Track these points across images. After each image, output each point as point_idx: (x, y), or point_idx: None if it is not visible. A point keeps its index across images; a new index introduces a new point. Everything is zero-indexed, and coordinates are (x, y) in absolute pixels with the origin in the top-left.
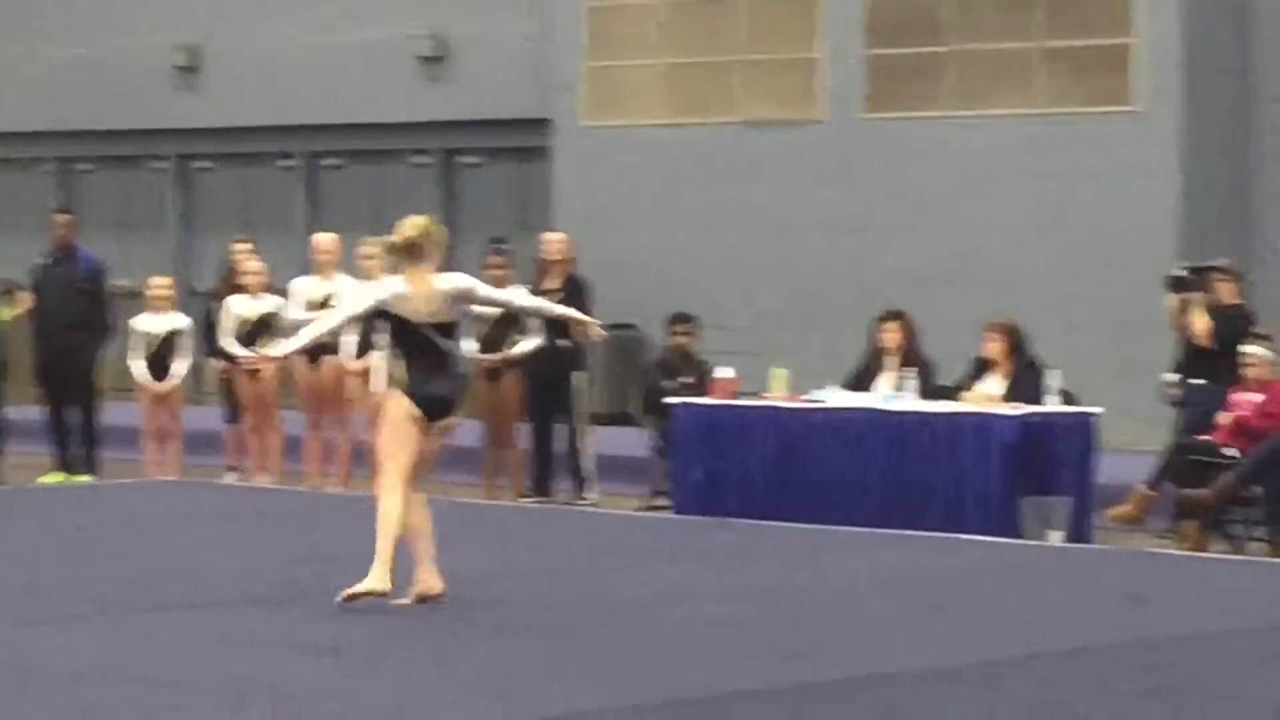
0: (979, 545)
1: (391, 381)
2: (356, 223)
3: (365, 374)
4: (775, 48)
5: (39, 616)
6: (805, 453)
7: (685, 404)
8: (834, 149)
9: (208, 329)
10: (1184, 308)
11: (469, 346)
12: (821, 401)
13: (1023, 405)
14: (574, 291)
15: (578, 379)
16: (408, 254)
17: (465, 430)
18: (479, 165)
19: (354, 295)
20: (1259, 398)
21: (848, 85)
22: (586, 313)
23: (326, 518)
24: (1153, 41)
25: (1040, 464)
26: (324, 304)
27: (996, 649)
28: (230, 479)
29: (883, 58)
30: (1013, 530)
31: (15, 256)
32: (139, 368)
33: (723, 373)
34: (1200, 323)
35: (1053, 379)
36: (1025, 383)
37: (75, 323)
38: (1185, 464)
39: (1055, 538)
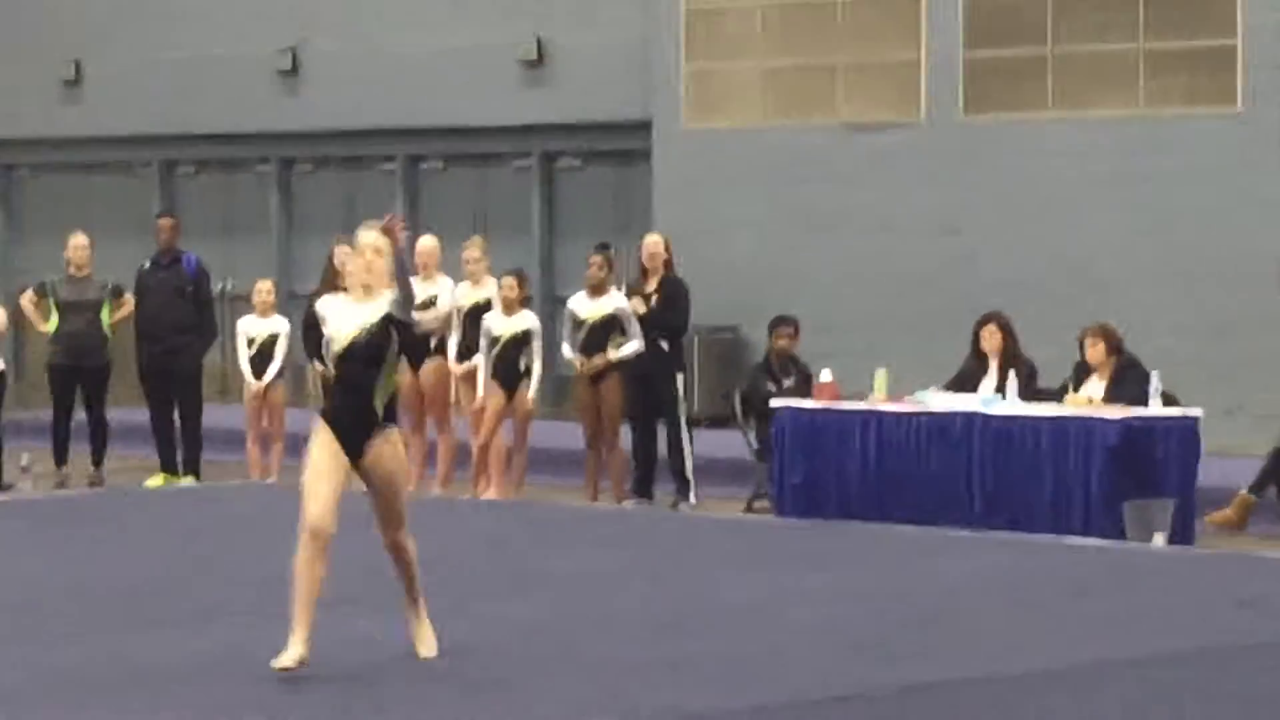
0: (1082, 548)
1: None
2: (457, 226)
3: (468, 376)
4: (876, 50)
5: (153, 619)
6: (907, 455)
7: (787, 406)
8: (934, 151)
9: (309, 330)
10: None
11: (568, 351)
12: (923, 404)
13: (1125, 408)
14: (673, 295)
15: (679, 381)
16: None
17: (567, 433)
18: (579, 168)
19: (455, 297)
20: None
21: (948, 87)
22: (683, 315)
23: (427, 520)
24: (1256, 42)
25: (1143, 467)
26: (425, 306)
27: (1101, 651)
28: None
29: (983, 59)
30: (1116, 533)
31: (119, 260)
32: (243, 370)
33: (824, 376)
34: None
35: (1154, 382)
36: (1127, 385)
37: (179, 326)
38: None
39: (1159, 540)
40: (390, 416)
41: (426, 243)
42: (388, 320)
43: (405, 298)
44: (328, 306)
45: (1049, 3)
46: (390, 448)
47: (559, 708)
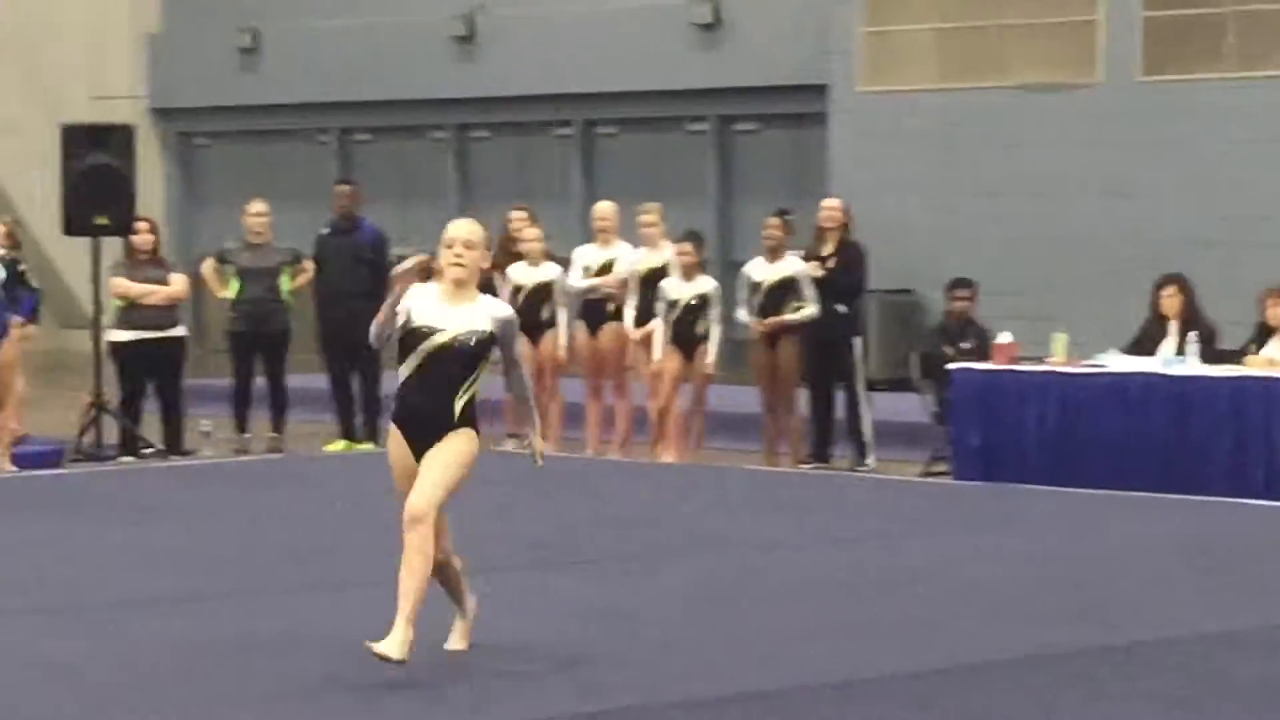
0: (1262, 510)
1: None
2: (632, 190)
3: (646, 341)
4: (1052, 10)
5: (318, 582)
6: (1086, 418)
7: (965, 369)
8: (1111, 112)
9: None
10: None
11: (744, 315)
12: (1103, 366)
13: None
14: (850, 258)
15: (856, 345)
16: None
17: (745, 396)
18: (754, 132)
19: (632, 261)
20: None
21: (1126, 47)
22: (860, 279)
23: (606, 483)
24: None
25: None
26: (603, 271)
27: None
28: (509, 446)
29: (1161, 19)
30: None
31: (298, 227)
32: None
33: (1003, 338)
34: None
35: None
36: None
37: (357, 292)
38: None
39: None
40: (467, 420)
41: (604, 207)
42: (490, 339)
43: (378, 324)
44: (418, 296)
45: None
46: (460, 439)
47: (732, 672)
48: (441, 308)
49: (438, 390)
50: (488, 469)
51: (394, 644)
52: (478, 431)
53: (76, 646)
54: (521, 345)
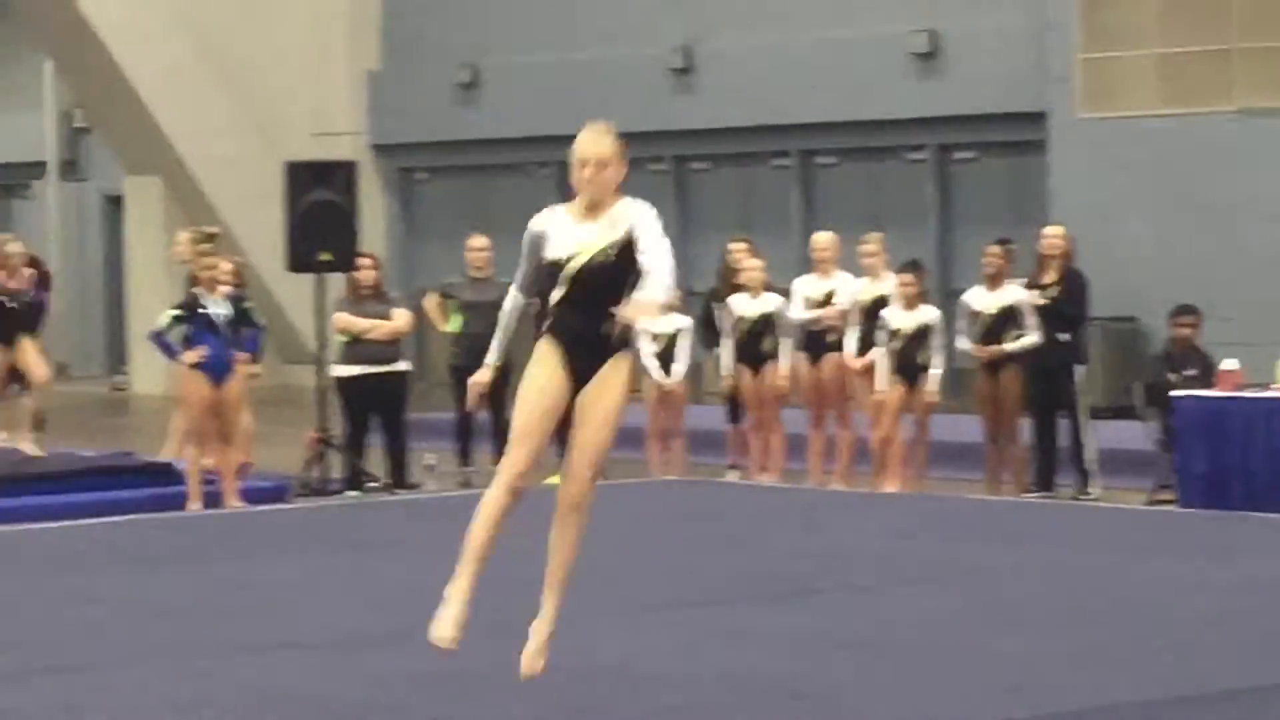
0: None
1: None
2: (852, 220)
3: (867, 371)
4: (1274, 33)
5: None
6: None
7: (1189, 396)
8: None
9: (708, 328)
10: None
11: (965, 343)
12: None
13: None
14: (1072, 286)
15: (1079, 373)
16: None
17: (967, 425)
18: (973, 160)
19: (854, 291)
20: None
21: None
22: (1082, 307)
23: (829, 515)
24: None
25: None
26: (824, 302)
27: None
28: (732, 477)
29: None
30: None
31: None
32: (650, 366)
33: (1228, 364)
34: None
35: None
36: None
37: None
38: None
39: None
40: (624, 340)
41: (823, 237)
42: (627, 244)
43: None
44: (549, 224)
45: None
46: (615, 373)
47: (961, 701)
48: (576, 230)
49: (591, 312)
50: (711, 502)
51: (534, 645)
52: (632, 349)
53: (310, 681)
54: (659, 231)
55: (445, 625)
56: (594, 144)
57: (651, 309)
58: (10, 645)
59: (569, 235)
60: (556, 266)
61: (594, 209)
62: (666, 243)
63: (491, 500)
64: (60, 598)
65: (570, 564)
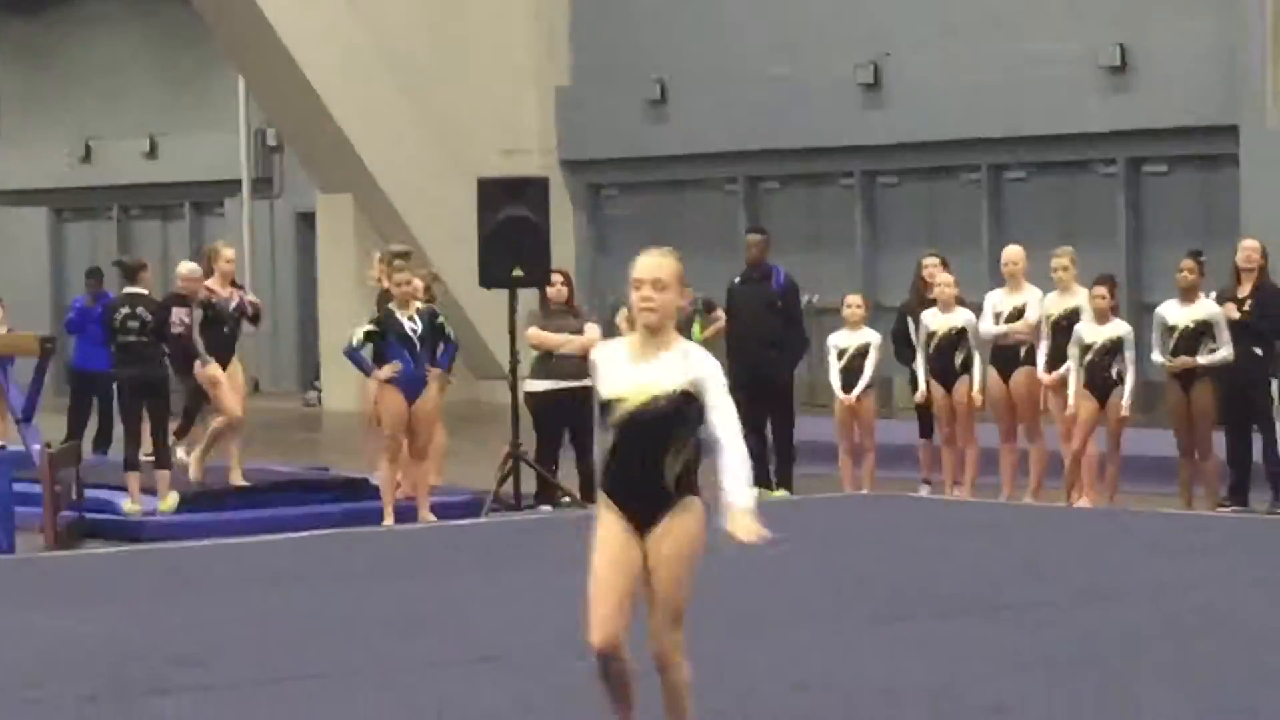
0: None
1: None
2: (1042, 234)
3: (1059, 385)
4: None
5: (749, 628)
6: None
7: None
8: None
9: (900, 342)
10: None
11: (1158, 357)
12: None
13: None
14: (1267, 299)
15: (1274, 386)
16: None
17: (1160, 440)
18: (1165, 173)
19: (1044, 306)
20: None
21: None
22: (1277, 322)
23: (1021, 529)
24: None
25: None
26: (1015, 316)
27: None
28: (924, 492)
29: None
30: None
31: (708, 275)
32: (835, 383)
33: None
34: None
35: None
36: None
37: (769, 340)
38: None
39: None
40: (689, 488)
41: (1013, 251)
42: (685, 396)
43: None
44: (605, 358)
45: None
46: (681, 523)
47: (1167, 717)
48: (629, 369)
49: (643, 464)
50: (898, 514)
51: None
52: (700, 496)
53: (507, 694)
54: (723, 396)
55: None
56: (653, 266)
57: (754, 528)
58: (211, 658)
59: (623, 374)
60: (606, 409)
61: (652, 343)
62: (733, 409)
63: (601, 681)
64: (259, 613)
65: (679, 709)
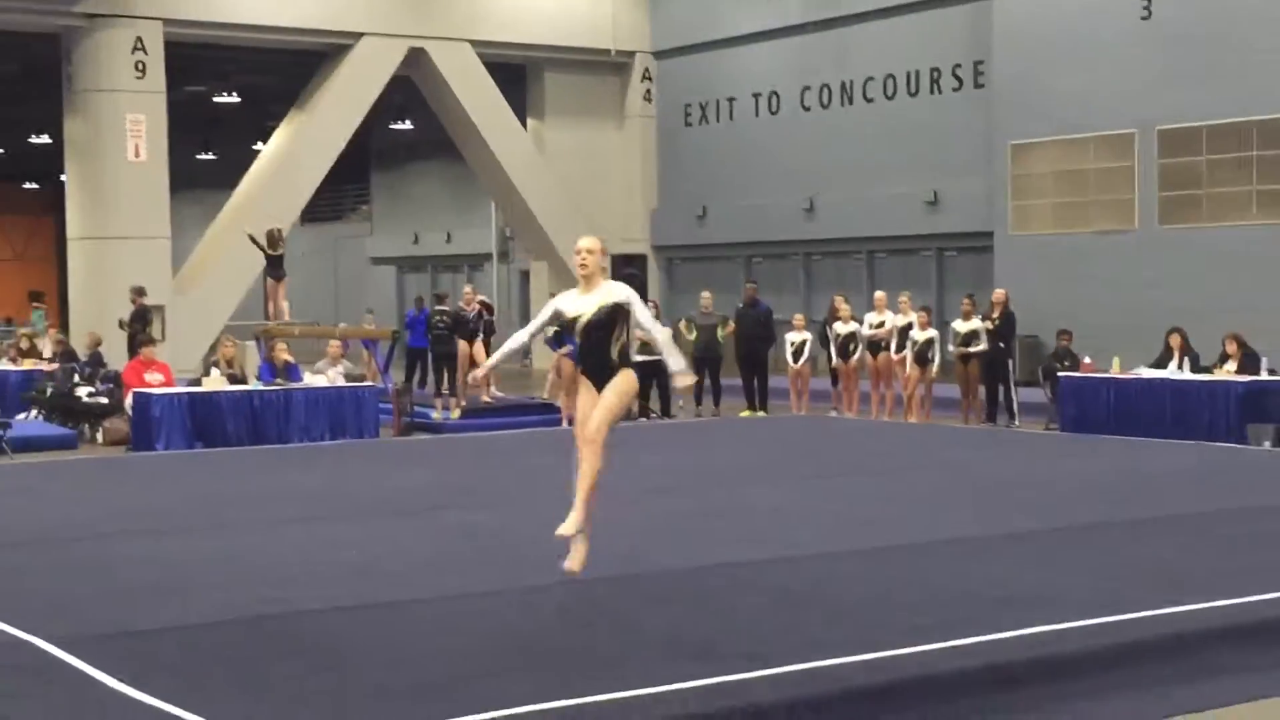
0: None
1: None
2: (893, 285)
3: (901, 362)
4: None
5: (737, 481)
6: None
7: None
8: None
9: (821, 339)
10: None
11: (950, 348)
12: None
13: None
14: (1006, 319)
15: (1009, 365)
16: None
17: (950, 389)
18: (956, 256)
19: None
20: None
21: None
22: None
23: (878, 435)
24: None
25: None
26: (878, 326)
27: None
28: (832, 415)
29: None
30: None
31: (725, 305)
32: (789, 358)
33: (1087, 359)
34: None
35: None
36: None
37: (758, 337)
38: None
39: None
40: (624, 360)
41: (879, 294)
42: (615, 308)
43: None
44: (562, 299)
45: None
46: (616, 380)
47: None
48: (581, 300)
49: (597, 350)
50: (819, 425)
51: (569, 524)
52: (631, 368)
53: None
54: (643, 307)
55: (567, 526)
56: (588, 242)
57: (686, 377)
58: (484, 489)
59: (577, 303)
60: (571, 323)
61: (589, 287)
62: (651, 313)
63: (579, 455)
64: (508, 466)
65: (589, 482)
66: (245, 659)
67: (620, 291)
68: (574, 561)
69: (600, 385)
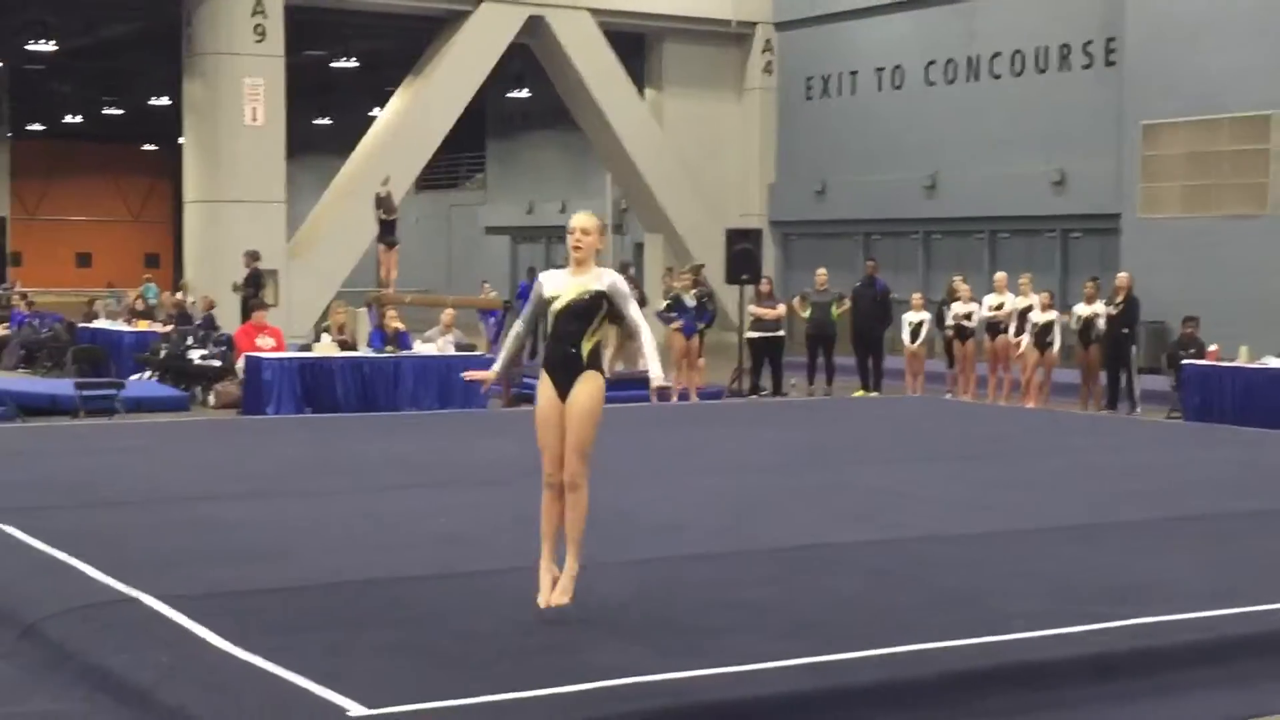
0: None
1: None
2: (1013, 268)
3: (1020, 344)
4: None
5: (869, 459)
6: None
7: None
8: None
9: (940, 318)
10: None
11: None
12: None
13: None
14: (1130, 304)
15: (1132, 350)
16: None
17: (1071, 374)
18: (1080, 238)
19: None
20: None
21: None
22: None
23: (995, 419)
24: None
25: None
26: (997, 308)
27: None
28: (948, 397)
29: None
30: None
31: (840, 282)
32: (905, 339)
33: (1213, 347)
34: None
35: None
36: None
37: (874, 316)
38: None
39: None
40: (595, 362)
41: (999, 275)
42: (599, 295)
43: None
44: (549, 276)
45: None
46: (585, 389)
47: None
48: (567, 280)
49: (568, 341)
50: (935, 406)
51: (561, 589)
52: (602, 372)
53: (762, 492)
54: (631, 301)
55: (541, 595)
56: (583, 221)
57: (660, 381)
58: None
59: (560, 284)
60: (550, 303)
61: (581, 269)
62: (639, 312)
63: (544, 501)
64: (619, 435)
65: (579, 529)
66: (341, 621)
67: (607, 279)
68: (555, 593)
69: (563, 386)
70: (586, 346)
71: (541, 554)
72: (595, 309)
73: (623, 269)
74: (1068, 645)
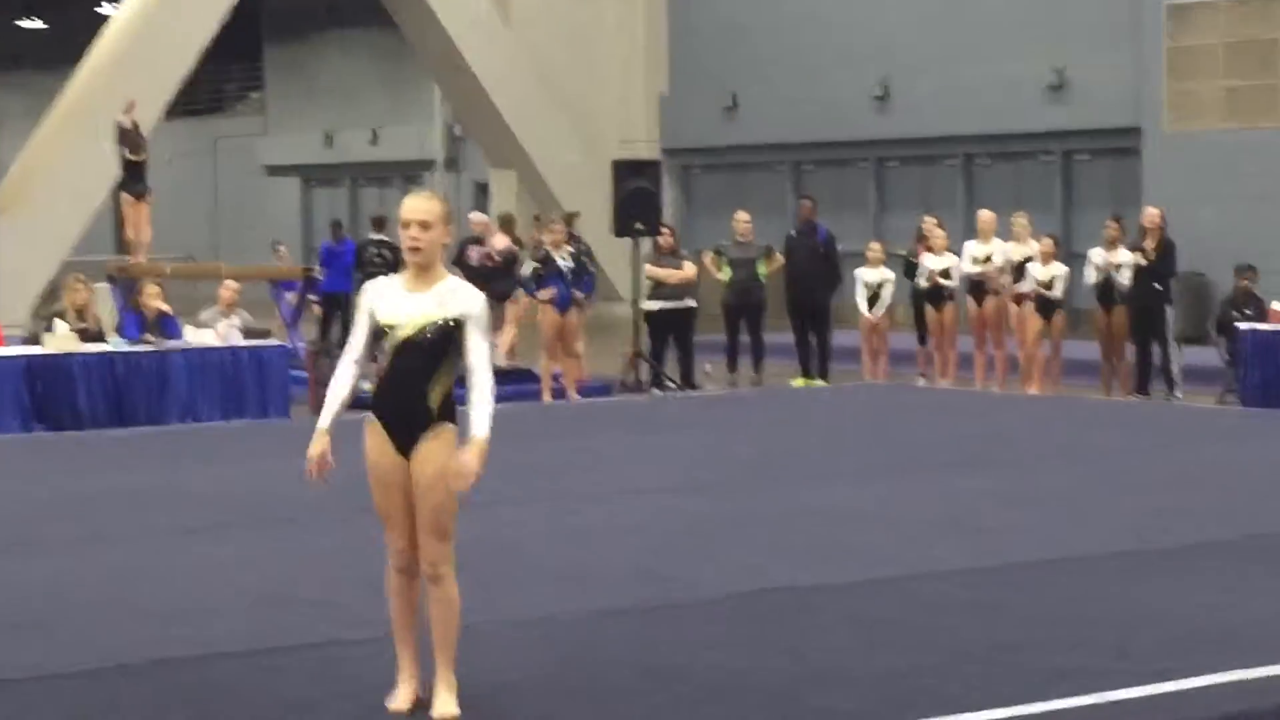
0: None
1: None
2: (1002, 204)
3: (1019, 301)
4: None
5: (810, 473)
6: None
7: (1249, 329)
8: None
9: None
10: None
11: (1091, 277)
12: None
13: None
14: (1165, 249)
15: (1168, 311)
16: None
17: (1086, 348)
18: (1089, 161)
19: (1006, 253)
20: None
21: None
22: (1172, 264)
23: (987, 411)
24: None
25: None
26: (984, 260)
27: None
28: (921, 383)
29: None
30: None
31: (766, 230)
32: (862, 306)
33: (1277, 305)
34: None
35: None
36: None
37: (814, 274)
38: None
39: None
40: (446, 414)
41: (986, 214)
42: (453, 326)
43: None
44: (379, 292)
45: None
46: (436, 450)
47: (1102, 537)
48: (403, 299)
49: (410, 385)
50: (904, 397)
51: (444, 702)
52: (455, 422)
53: (644, 517)
54: (486, 336)
55: (398, 700)
56: (419, 209)
57: (470, 474)
58: None
59: (397, 304)
60: (380, 334)
61: (422, 278)
62: (487, 349)
63: (390, 583)
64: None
65: (450, 632)
66: (131, 717)
67: (464, 301)
68: (437, 705)
69: (403, 443)
70: (436, 393)
71: (398, 659)
72: (447, 343)
73: (568, 220)
74: (1135, 714)
